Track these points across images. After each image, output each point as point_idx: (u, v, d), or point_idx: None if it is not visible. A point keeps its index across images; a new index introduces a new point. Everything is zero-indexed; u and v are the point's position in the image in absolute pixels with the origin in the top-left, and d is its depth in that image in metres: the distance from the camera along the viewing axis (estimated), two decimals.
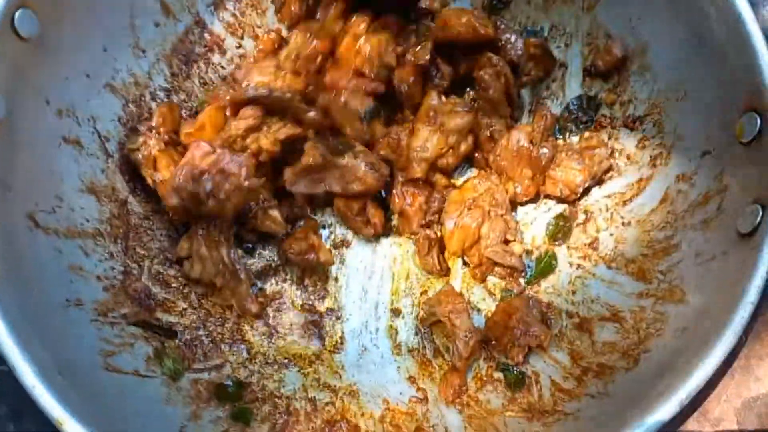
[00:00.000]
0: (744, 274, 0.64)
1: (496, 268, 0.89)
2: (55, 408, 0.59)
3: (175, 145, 0.88)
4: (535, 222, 0.93)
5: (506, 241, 0.89)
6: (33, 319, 0.66)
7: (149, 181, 0.85)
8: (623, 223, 0.86)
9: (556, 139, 0.93)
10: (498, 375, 0.82)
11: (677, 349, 0.67)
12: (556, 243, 0.90)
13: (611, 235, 0.86)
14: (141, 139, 0.85)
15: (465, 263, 0.91)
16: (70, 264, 0.77)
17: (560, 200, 0.91)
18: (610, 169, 0.89)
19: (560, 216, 0.91)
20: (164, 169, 0.84)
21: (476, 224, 0.88)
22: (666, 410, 0.59)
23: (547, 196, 0.92)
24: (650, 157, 0.85)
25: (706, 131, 0.77)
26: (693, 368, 0.60)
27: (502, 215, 0.89)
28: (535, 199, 0.93)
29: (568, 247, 0.89)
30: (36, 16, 0.74)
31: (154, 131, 0.87)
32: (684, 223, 0.78)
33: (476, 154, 0.93)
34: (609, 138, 0.90)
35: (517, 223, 0.91)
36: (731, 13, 0.71)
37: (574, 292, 0.86)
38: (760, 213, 0.65)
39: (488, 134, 0.91)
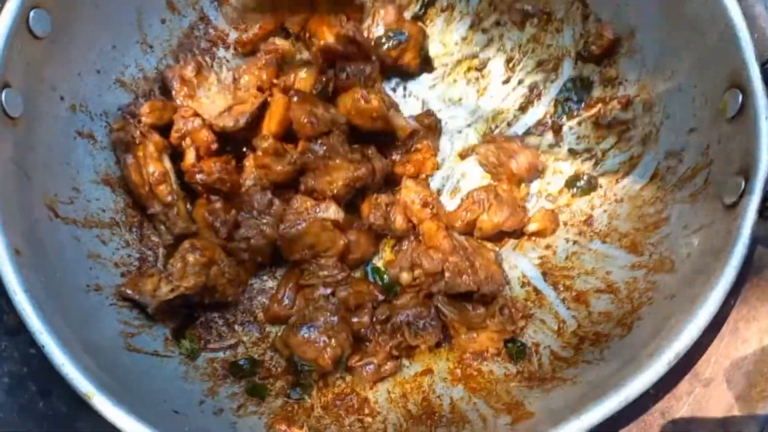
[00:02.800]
0: (728, 243, 0.67)
1: None
2: (83, 383, 0.63)
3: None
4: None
5: None
6: (57, 302, 0.70)
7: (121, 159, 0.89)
8: (616, 200, 0.89)
9: None
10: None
11: (666, 314, 0.70)
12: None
13: (605, 211, 0.90)
14: (122, 122, 0.88)
15: None
16: (89, 252, 0.81)
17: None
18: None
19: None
20: (134, 155, 0.88)
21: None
22: (656, 369, 0.63)
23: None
24: (641, 135, 0.89)
25: (692, 109, 0.81)
26: (680, 330, 0.64)
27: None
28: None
29: (564, 224, 0.93)
30: (49, 15, 0.77)
31: (135, 119, 0.89)
32: (673, 197, 0.81)
33: None
34: (601, 117, 0.94)
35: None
36: None
37: (571, 267, 0.90)
38: (743, 184, 0.69)
39: None
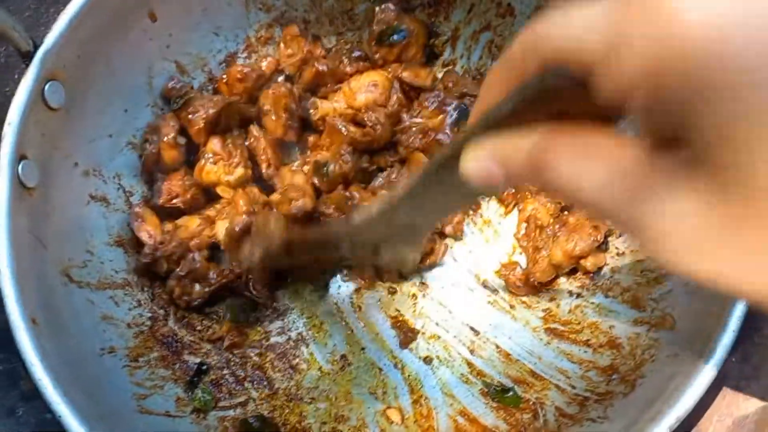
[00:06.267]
0: (726, 306, 0.68)
1: None
2: None
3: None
4: None
5: None
6: (73, 369, 0.72)
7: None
8: (617, 254, 0.91)
9: None
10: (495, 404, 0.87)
11: (669, 374, 0.71)
12: None
13: (607, 264, 0.91)
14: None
15: None
16: (102, 314, 0.83)
17: None
18: None
19: None
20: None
21: None
22: None
23: None
24: None
25: None
26: (681, 394, 0.65)
27: None
28: None
29: (567, 276, 0.94)
30: (63, 86, 0.80)
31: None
32: None
33: None
34: None
35: None
36: None
37: (575, 321, 0.91)
38: None
39: None
